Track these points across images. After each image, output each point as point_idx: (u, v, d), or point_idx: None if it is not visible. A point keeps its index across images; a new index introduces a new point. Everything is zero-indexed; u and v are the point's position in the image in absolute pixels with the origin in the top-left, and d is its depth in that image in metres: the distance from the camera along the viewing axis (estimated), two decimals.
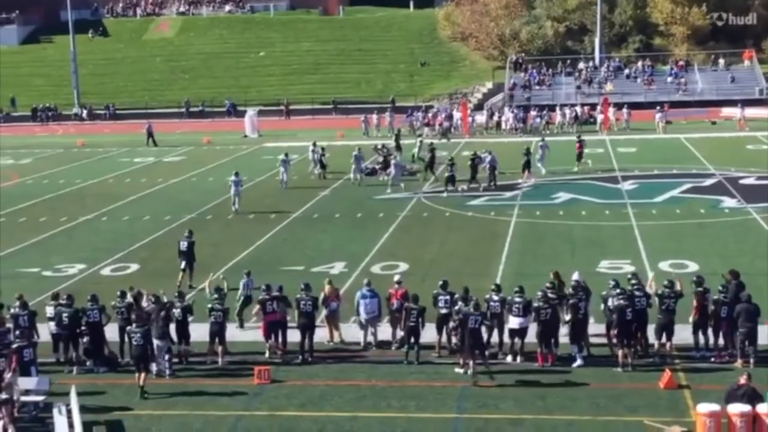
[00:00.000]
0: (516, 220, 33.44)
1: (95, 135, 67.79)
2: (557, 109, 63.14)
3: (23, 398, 17.51)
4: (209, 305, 20.28)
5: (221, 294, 20.79)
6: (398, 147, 48.73)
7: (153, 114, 72.86)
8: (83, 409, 16.91)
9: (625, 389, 18.01)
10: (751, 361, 18.81)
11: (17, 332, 19.04)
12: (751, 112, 60.11)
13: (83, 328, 20.02)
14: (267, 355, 20.28)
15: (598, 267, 26.28)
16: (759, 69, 72.14)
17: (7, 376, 17.16)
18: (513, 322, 19.73)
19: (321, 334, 20.94)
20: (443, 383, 18.59)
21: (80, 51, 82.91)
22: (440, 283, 20.76)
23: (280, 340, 20.53)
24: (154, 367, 19.18)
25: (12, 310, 20.17)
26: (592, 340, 20.03)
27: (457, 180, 38.92)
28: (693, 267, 25.79)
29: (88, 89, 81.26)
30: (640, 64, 75.15)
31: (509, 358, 19.73)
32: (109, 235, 33.46)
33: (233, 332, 21.38)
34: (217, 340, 19.99)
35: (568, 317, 19.58)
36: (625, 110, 59.97)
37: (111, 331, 20.34)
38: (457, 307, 19.48)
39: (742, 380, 16.02)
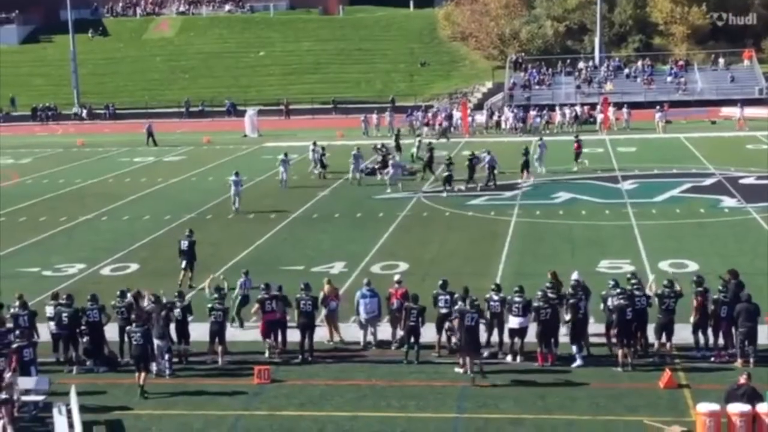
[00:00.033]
0: (516, 219, 33.45)
1: (95, 135, 67.79)
2: (557, 108, 63.15)
3: (23, 398, 17.52)
4: (209, 305, 20.29)
5: (221, 294, 20.80)
6: (398, 147, 48.76)
7: (153, 114, 72.85)
8: (83, 408, 16.90)
9: (625, 389, 18.01)
10: (751, 360, 18.82)
11: (17, 332, 19.03)
12: (751, 111, 60.11)
13: (83, 327, 20.02)
14: (267, 354, 20.28)
15: (597, 267, 26.29)
16: (759, 69, 72.14)
17: (7, 375, 17.17)
18: (513, 321, 19.73)
19: (321, 334, 20.94)
20: (443, 383, 18.59)
21: (80, 51, 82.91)
22: (440, 282, 20.77)
23: (279, 339, 20.55)
24: (154, 366, 19.19)
25: (12, 310, 20.17)
26: (592, 339, 20.03)
27: (455, 180, 38.92)
28: (693, 267, 25.79)
29: (87, 89, 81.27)
30: (639, 63, 75.14)
31: (509, 358, 19.74)
32: (108, 234, 33.46)
33: (233, 332, 21.40)
34: (217, 339, 20.00)
35: (568, 317, 19.58)
36: (624, 110, 59.98)
37: (111, 331, 20.35)
38: (456, 307, 19.49)
39: (742, 380, 16.02)
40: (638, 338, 19.60)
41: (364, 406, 17.56)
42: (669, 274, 23.19)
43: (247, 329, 21.91)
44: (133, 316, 19.53)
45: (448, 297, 20.11)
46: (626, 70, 74.38)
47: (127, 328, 19.35)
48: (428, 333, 19.98)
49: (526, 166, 40.96)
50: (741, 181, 39.32)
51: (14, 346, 18.18)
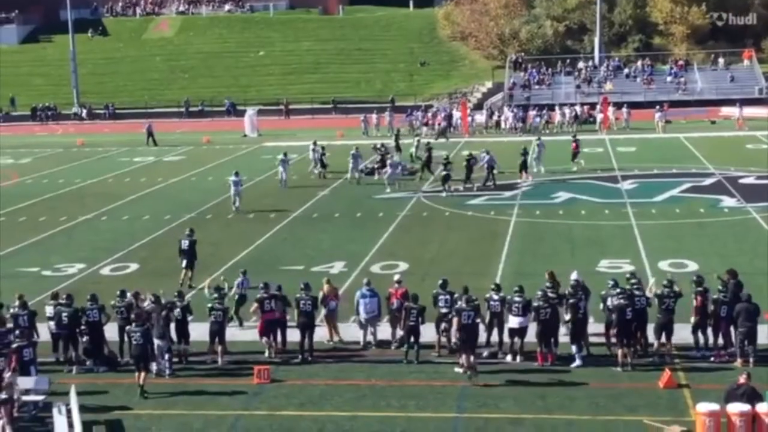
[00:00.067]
0: (516, 219, 33.45)
1: (95, 134, 67.78)
2: (556, 108, 63.15)
3: (23, 398, 17.52)
4: (209, 305, 20.29)
5: (221, 294, 20.80)
6: (398, 147, 48.77)
7: (152, 113, 72.83)
8: (83, 408, 16.90)
9: (624, 389, 18.02)
10: (751, 360, 18.83)
11: (17, 332, 19.03)
12: (751, 111, 60.12)
13: (83, 327, 20.02)
14: (266, 354, 20.28)
15: (597, 266, 26.29)
16: (758, 68, 72.13)
17: (7, 375, 17.17)
18: (513, 321, 19.73)
19: (321, 334, 20.94)
20: (443, 383, 18.60)
21: (80, 50, 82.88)
22: (439, 282, 20.78)
23: (279, 339, 20.56)
24: (153, 366, 19.18)
25: (12, 310, 20.18)
26: (592, 339, 20.03)
27: (453, 179, 38.89)
28: (692, 266, 25.79)
29: (87, 89, 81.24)
30: (639, 63, 75.13)
31: (509, 358, 19.74)
32: (108, 234, 33.46)
33: (233, 332, 21.39)
34: (216, 339, 20.00)
35: (567, 317, 19.58)
36: (624, 109, 59.97)
37: (111, 331, 20.35)
38: (457, 306, 19.49)
39: (742, 379, 16.03)
40: (638, 338, 19.61)
41: (364, 406, 17.56)
42: (668, 274, 23.19)
43: (246, 329, 21.90)
44: (132, 316, 19.52)
45: (448, 297, 20.11)
46: (626, 70, 74.37)
47: (127, 327, 19.35)
48: (428, 333, 19.98)
49: (524, 166, 40.98)
50: (741, 180, 39.32)
51: (14, 345, 18.18)
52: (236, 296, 22.40)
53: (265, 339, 20.41)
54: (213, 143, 59.27)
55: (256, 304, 20.68)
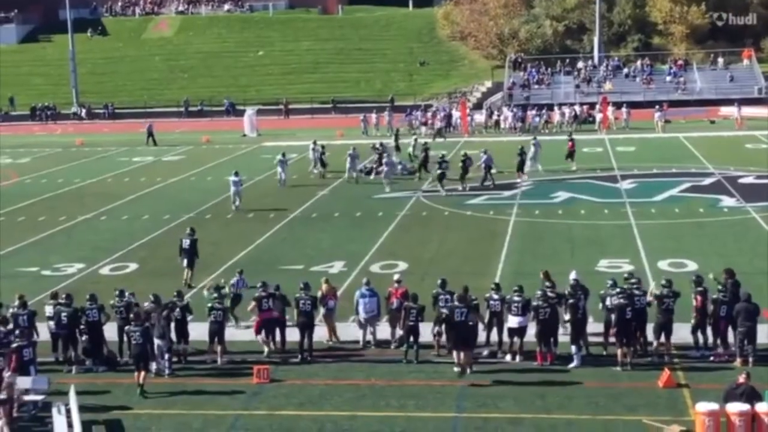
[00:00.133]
0: (515, 219, 33.45)
1: (94, 134, 67.76)
2: (555, 108, 63.15)
3: (24, 397, 17.51)
4: (209, 304, 20.29)
5: (221, 293, 20.79)
6: (397, 147, 48.78)
7: (152, 113, 72.78)
8: (82, 408, 16.90)
9: (624, 388, 18.02)
10: (750, 360, 18.83)
11: (17, 332, 19.03)
12: (750, 111, 60.14)
13: (82, 327, 20.01)
14: (265, 353, 20.26)
15: (597, 266, 26.29)
16: (758, 68, 72.13)
17: (7, 375, 17.17)
18: (512, 321, 19.72)
19: (320, 334, 20.94)
20: (442, 382, 18.59)
21: (79, 50, 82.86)
22: (439, 282, 20.79)
23: (278, 339, 20.56)
24: (153, 366, 19.18)
25: (11, 310, 20.17)
26: (591, 339, 20.02)
27: (448, 179, 38.87)
28: (692, 266, 25.78)
29: (86, 88, 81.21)
30: (639, 63, 75.11)
31: (508, 358, 19.74)
32: (108, 234, 33.46)
33: (233, 332, 21.38)
34: (216, 339, 19.99)
35: (567, 317, 19.57)
36: (624, 109, 59.99)
37: (110, 331, 20.34)
38: (449, 304, 19.48)
39: (741, 379, 16.03)
40: (637, 338, 19.60)
41: (364, 406, 17.56)
42: (668, 273, 23.18)
43: (246, 329, 21.88)
44: (131, 316, 19.52)
45: (448, 296, 20.07)
46: (625, 70, 74.35)
47: (126, 327, 19.34)
48: (428, 332, 19.96)
49: (522, 165, 41.01)
50: (740, 180, 39.32)
51: (14, 345, 18.18)
52: (231, 295, 22.37)
53: (260, 337, 20.39)
54: (212, 143, 59.27)
55: (253, 303, 20.67)
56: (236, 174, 36.60)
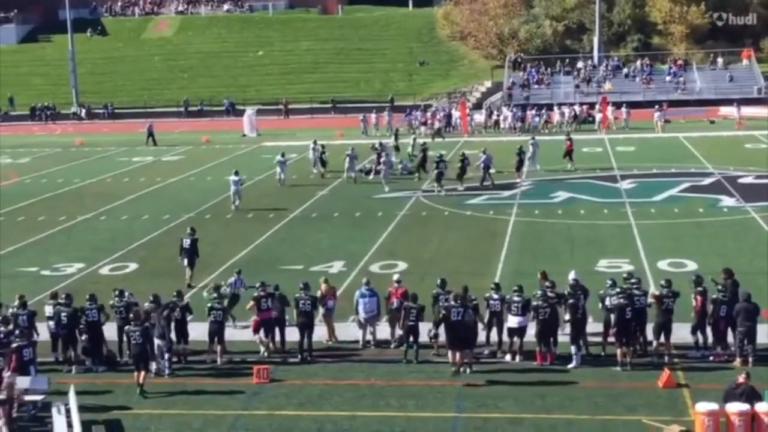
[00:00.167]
0: (515, 219, 33.45)
1: (94, 134, 67.75)
2: (555, 108, 63.15)
3: (24, 397, 17.50)
4: (209, 304, 20.29)
5: (220, 293, 20.79)
6: (397, 147, 48.79)
7: (152, 113, 72.78)
8: (82, 408, 16.90)
9: (624, 388, 18.02)
10: (750, 360, 18.83)
11: (17, 332, 19.03)
12: (750, 111, 60.15)
13: (82, 327, 20.01)
14: (265, 353, 20.26)
15: (596, 266, 26.29)
16: (757, 68, 72.15)
17: (6, 375, 17.16)
18: (512, 321, 19.72)
19: (320, 334, 20.94)
20: (442, 382, 18.59)
21: (79, 50, 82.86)
22: (438, 282, 20.80)
23: (278, 339, 20.56)
24: (153, 366, 19.18)
25: (11, 310, 20.17)
26: (590, 339, 20.02)
27: (446, 179, 38.86)
28: (692, 266, 25.77)
29: (86, 88, 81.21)
30: (638, 63, 75.13)
31: (508, 357, 19.73)
32: (107, 234, 33.45)
33: (232, 332, 21.38)
34: (216, 339, 19.99)
35: (567, 317, 19.57)
36: (623, 109, 60.00)
37: (110, 331, 20.34)
38: (446, 304, 19.46)
39: (741, 379, 16.03)
40: (637, 338, 19.60)
41: (363, 406, 17.55)
42: (667, 274, 23.18)
43: (243, 329, 21.86)
44: (131, 316, 19.51)
45: (448, 296, 20.08)
46: (625, 70, 74.37)
47: (126, 327, 19.34)
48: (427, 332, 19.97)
49: (521, 165, 41.04)
50: (740, 180, 39.33)
51: (14, 345, 18.17)
52: (229, 295, 22.36)
53: (258, 336, 20.39)
54: (212, 143, 59.26)
55: (252, 302, 20.67)
56: (236, 174, 36.61)
